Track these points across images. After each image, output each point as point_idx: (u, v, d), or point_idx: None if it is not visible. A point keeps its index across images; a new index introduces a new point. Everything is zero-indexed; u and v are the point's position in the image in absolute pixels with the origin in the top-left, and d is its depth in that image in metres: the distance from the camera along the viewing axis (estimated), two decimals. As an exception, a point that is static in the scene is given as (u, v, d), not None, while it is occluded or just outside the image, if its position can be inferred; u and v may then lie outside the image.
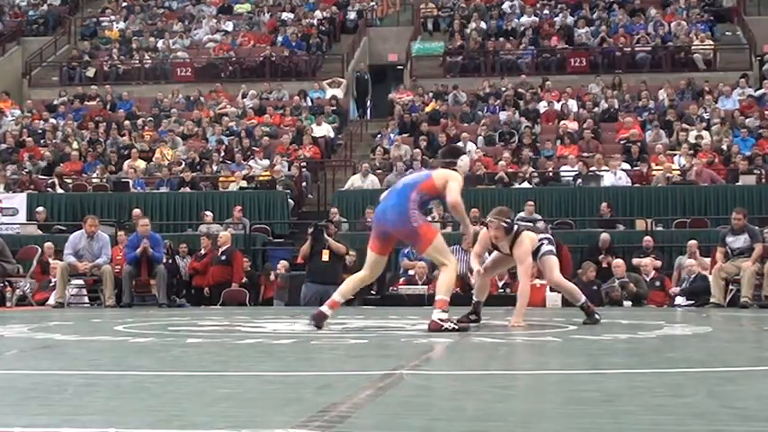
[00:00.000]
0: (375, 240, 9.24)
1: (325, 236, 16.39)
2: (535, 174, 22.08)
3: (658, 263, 17.74)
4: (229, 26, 33.32)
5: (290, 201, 21.81)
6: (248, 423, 3.72)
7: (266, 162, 23.80)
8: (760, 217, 18.42)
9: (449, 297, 8.91)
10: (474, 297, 10.18)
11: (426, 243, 9.01)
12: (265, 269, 18.94)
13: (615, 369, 5.82)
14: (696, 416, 3.86)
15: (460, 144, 10.19)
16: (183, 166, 23.62)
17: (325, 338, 8.40)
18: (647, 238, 18.35)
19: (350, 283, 9.47)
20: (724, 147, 23.09)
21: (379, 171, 22.83)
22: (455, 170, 9.36)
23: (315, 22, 32.90)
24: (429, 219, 20.27)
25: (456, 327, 8.76)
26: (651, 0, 32.39)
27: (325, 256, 16.34)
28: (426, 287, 17.69)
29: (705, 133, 23.79)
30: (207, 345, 8.01)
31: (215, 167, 23.85)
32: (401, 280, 18.29)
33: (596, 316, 10.03)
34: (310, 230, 16.77)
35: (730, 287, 15.65)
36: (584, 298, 10.22)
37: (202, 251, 18.50)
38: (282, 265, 18.39)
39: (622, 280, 16.65)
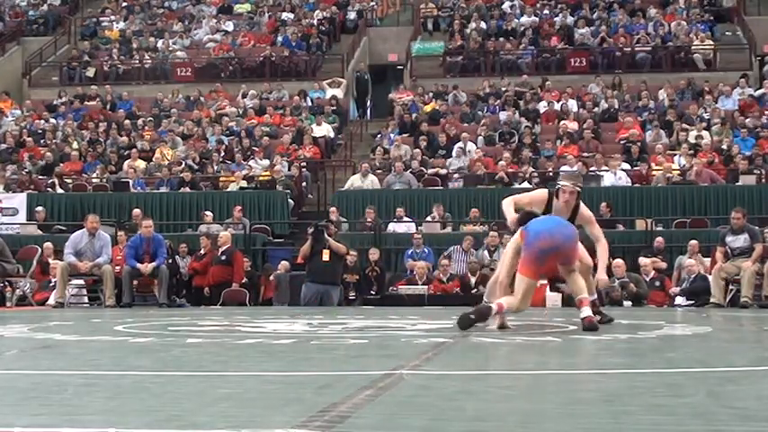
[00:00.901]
0: (534, 263, 8.82)
1: (326, 236, 16.39)
2: (535, 174, 22.09)
3: (664, 264, 17.72)
4: (229, 26, 33.33)
5: (290, 201, 21.81)
6: (248, 423, 3.72)
7: (266, 162, 23.80)
8: (760, 217, 18.43)
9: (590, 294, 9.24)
10: (484, 298, 10.12)
11: (577, 258, 9.27)
12: (265, 269, 18.95)
13: (615, 369, 5.82)
14: (696, 416, 3.86)
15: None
16: (183, 166, 23.62)
17: (325, 338, 8.40)
18: (659, 239, 18.33)
19: (512, 301, 8.87)
20: (724, 147, 23.10)
21: (379, 171, 22.83)
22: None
23: (315, 22, 32.91)
24: (429, 218, 20.36)
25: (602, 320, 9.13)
26: (651, 0, 32.40)
27: (326, 256, 16.33)
28: (426, 287, 17.71)
29: (705, 133, 23.80)
30: (207, 345, 8.00)
31: (215, 167, 23.86)
32: (402, 280, 18.31)
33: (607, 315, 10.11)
34: (311, 230, 16.77)
35: (730, 287, 15.65)
36: (596, 294, 10.24)
37: (202, 251, 18.51)
38: (283, 265, 18.40)
39: (622, 280, 16.65)
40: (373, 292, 17.99)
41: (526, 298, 8.82)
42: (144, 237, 16.65)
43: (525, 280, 8.77)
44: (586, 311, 8.90)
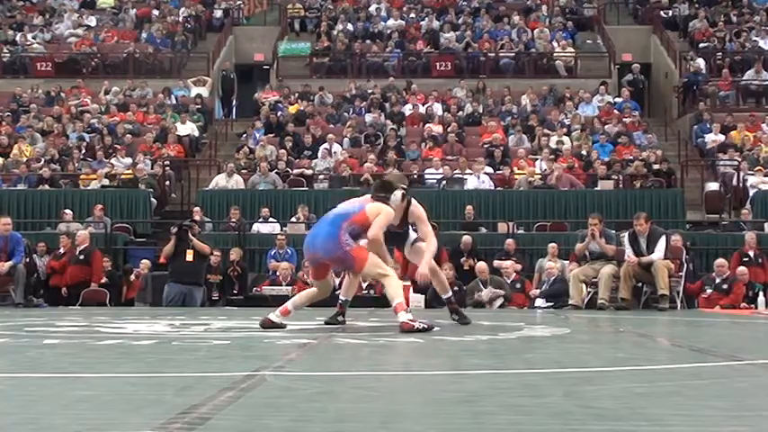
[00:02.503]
0: (311, 270, 9.61)
1: (190, 235, 16.22)
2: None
3: (519, 266, 18.03)
4: (92, 21, 32.70)
5: (152, 200, 21.51)
6: (106, 426, 3.65)
7: (129, 160, 23.42)
8: (617, 221, 18.90)
9: (402, 298, 9.13)
10: (341, 296, 10.20)
11: (361, 263, 9.17)
12: (126, 269, 18.64)
13: (476, 370, 5.89)
14: (553, 415, 3.93)
15: (394, 176, 10.31)
16: (43, 162, 23.07)
17: (186, 339, 8.31)
18: (509, 241, 18.64)
19: (303, 297, 9.66)
20: (584, 152, 23.62)
21: (244, 171, 22.69)
22: (388, 204, 9.44)
23: (180, 19, 32.52)
24: (294, 219, 20.30)
25: (426, 326, 8.89)
26: (515, 7, 32.98)
27: (189, 255, 16.17)
28: (290, 288, 17.64)
29: (566, 138, 24.31)
30: (64, 346, 7.83)
31: (75, 165, 23.36)
32: (265, 281, 18.22)
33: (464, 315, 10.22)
34: (174, 230, 16.58)
35: (588, 289, 16.01)
36: (450, 292, 10.36)
37: (61, 250, 18.10)
38: (145, 264, 18.11)
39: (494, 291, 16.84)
40: (235, 292, 17.85)
41: (323, 290, 9.58)
42: (1, 235, 16.22)
43: (315, 283, 9.68)
44: (402, 316, 8.96)
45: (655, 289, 15.20)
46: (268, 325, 9.16)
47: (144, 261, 18.23)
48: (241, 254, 18.41)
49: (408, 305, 16.01)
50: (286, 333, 8.85)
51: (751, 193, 21.20)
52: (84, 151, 24.14)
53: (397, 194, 9.67)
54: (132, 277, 18.11)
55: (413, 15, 32.55)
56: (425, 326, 8.90)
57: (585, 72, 29.82)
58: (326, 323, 9.81)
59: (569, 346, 8.18)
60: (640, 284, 15.67)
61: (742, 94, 27.89)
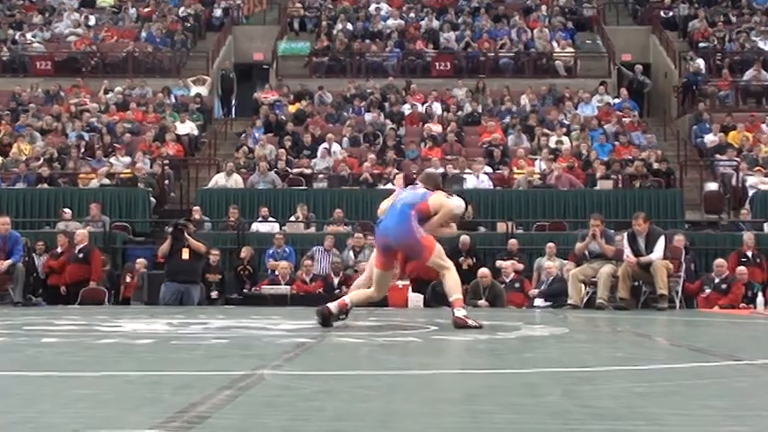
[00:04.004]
0: (379, 257, 9.68)
1: (185, 234, 16.22)
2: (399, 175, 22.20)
3: (521, 266, 18.02)
4: (92, 20, 32.68)
5: (151, 199, 21.49)
6: (104, 424, 3.65)
7: (128, 159, 23.41)
8: (616, 221, 18.90)
9: (461, 294, 9.55)
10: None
11: (429, 252, 9.52)
12: (126, 268, 18.63)
13: (475, 369, 5.90)
14: (552, 415, 3.93)
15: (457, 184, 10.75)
16: (42, 161, 23.06)
17: (185, 338, 8.31)
18: (513, 241, 18.62)
19: (360, 295, 9.85)
20: (583, 152, 23.61)
21: (243, 170, 22.68)
22: (450, 196, 9.85)
23: (180, 18, 32.51)
24: (293, 218, 20.30)
25: (478, 325, 9.20)
26: (515, 6, 32.95)
27: (185, 254, 16.19)
28: (289, 288, 17.66)
29: (565, 138, 24.31)
30: (63, 344, 7.83)
31: (75, 164, 23.34)
32: (264, 280, 18.22)
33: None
34: (169, 229, 16.60)
35: (587, 289, 16.02)
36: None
37: (59, 249, 18.09)
38: (140, 262, 18.06)
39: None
40: (246, 291, 17.91)
41: (380, 287, 9.70)
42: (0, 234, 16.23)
43: (376, 272, 9.68)
44: (458, 312, 9.33)
45: (653, 289, 15.21)
46: (327, 314, 9.31)
47: (140, 260, 18.20)
48: (252, 252, 18.45)
49: (408, 305, 16.15)
50: (284, 332, 8.85)
51: (750, 194, 21.20)
52: (83, 150, 24.12)
53: (461, 203, 9.94)
54: (128, 277, 18.07)
55: (412, 15, 32.54)
56: (477, 324, 9.22)
57: (585, 72, 29.81)
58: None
59: (568, 346, 8.18)
60: (639, 284, 15.68)
61: (741, 94, 27.88)
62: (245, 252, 18.33)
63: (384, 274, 9.66)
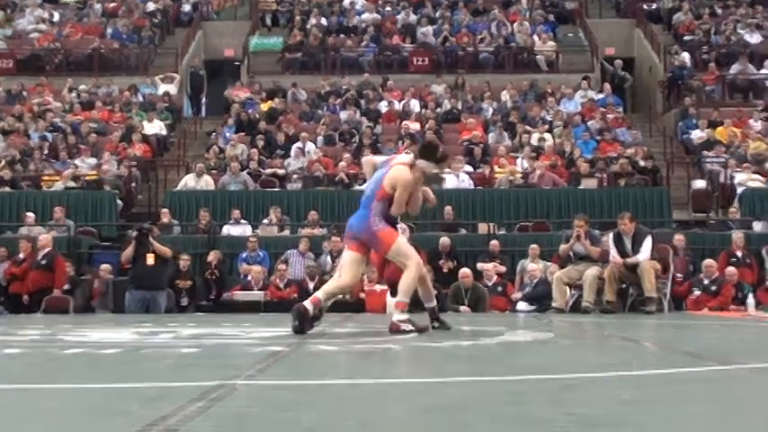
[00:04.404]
0: (350, 243, 9.57)
1: (150, 239, 16.16)
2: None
3: (503, 268, 18.03)
4: (56, 16, 32.54)
5: (118, 202, 21.42)
6: (69, 439, 3.61)
7: (93, 161, 23.31)
8: (601, 221, 18.93)
9: (408, 299, 9.38)
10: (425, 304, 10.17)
11: (386, 245, 9.41)
12: (92, 274, 18.53)
13: (456, 377, 5.88)
14: (537, 424, 3.92)
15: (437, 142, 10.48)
16: (3, 164, 22.92)
17: (154, 348, 8.27)
18: (494, 242, 18.62)
19: (328, 286, 9.76)
20: (566, 149, 23.66)
21: (213, 171, 22.63)
22: (412, 165, 9.46)
23: (147, 13, 32.42)
24: (266, 221, 20.25)
25: (415, 328, 9.14)
26: (494, 0, 33.01)
27: (150, 259, 16.14)
28: (263, 293, 17.60)
29: (547, 135, 24.36)
30: (27, 355, 7.78)
31: (37, 165, 23.22)
32: (236, 285, 18.16)
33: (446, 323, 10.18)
34: (133, 234, 16.56)
35: (572, 292, 16.04)
36: (435, 302, 10.31)
37: (21, 255, 17.96)
38: (105, 269, 17.92)
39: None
40: (213, 297, 17.81)
41: (351, 273, 9.53)
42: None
43: (347, 254, 9.56)
44: (396, 315, 9.32)
45: (641, 291, 15.23)
46: (303, 312, 9.20)
47: (104, 266, 18.07)
48: (220, 257, 18.37)
49: (386, 310, 16.11)
50: (258, 340, 8.82)
51: (738, 191, 21.28)
52: (46, 151, 24.02)
53: (425, 165, 9.53)
54: (95, 284, 17.94)
55: (388, 9, 32.55)
56: (416, 328, 9.14)
57: (567, 66, 29.90)
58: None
59: (553, 352, 8.19)
60: (626, 286, 15.71)
61: (728, 88, 28.02)
62: (212, 256, 18.24)
63: (356, 257, 9.50)
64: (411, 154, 9.70)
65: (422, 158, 9.52)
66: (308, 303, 9.30)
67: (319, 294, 9.49)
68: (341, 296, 10.96)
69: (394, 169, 9.44)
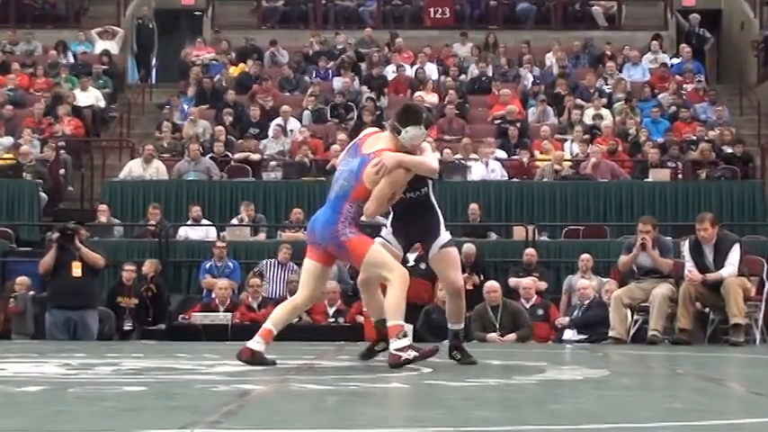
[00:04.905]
0: (312, 249, 9.58)
1: (77, 242, 16.16)
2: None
3: (544, 284, 18.04)
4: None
5: (42, 194, 21.47)
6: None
7: (9, 140, 23.38)
8: (674, 224, 18.93)
9: (401, 319, 9.24)
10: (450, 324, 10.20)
11: (357, 257, 9.37)
12: (6, 289, 18.56)
13: (482, 426, 5.92)
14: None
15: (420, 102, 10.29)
16: None
17: (88, 385, 8.30)
18: (529, 250, 18.63)
19: (279, 312, 9.64)
20: (630, 131, 23.66)
21: (166, 155, 22.66)
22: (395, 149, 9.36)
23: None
24: (235, 221, 20.29)
25: (419, 354, 9.12)
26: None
27: (77, 270, 16.08)
28: (230, 315, 17.61)
29: (606, 112, 24.37)
30: None
31: (-63, 147, 23.35)
32: (196, 305, 18.19)
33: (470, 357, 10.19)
34: (54, 236, 16.59)
35: (635, 317, 16.05)
36: (462, 325, 10.34)
37: None
38: (22, 282, 17.88)
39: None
40: (150, 320, 17.77)
41: (311, 286, 9.66)
42: None
43: (308, 263, 9.63)
44: (393, 344, 9.19)
45: (725, 316, 15.24)
46: (249, 357, 9.28)
47: (21, 278, 18.02)
48: (158, 267, 18.32)
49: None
50: (223, 376, 8.85)
51: None
52: (-52, 128, 24.13)
53: (413, 132, 9.41)
54: (11, 302, 17.93)
55: (398, -56, 32.63)
56: (417, 354, 9.12)
57: (632, 22, 29.92)
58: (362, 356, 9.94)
59: (608, 394, 8.22)
60: (706, 310, 15.72)
61: None
62: (148, 266, 18.11)
63: (317, 268, 9.57)
64: (387, 129, 9.62)
65: (408, 126, 9.38)
66: (254, 343, 9.32)
67: (268, 325, 9.46)
68: (295, 319, 10.87)
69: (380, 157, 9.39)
